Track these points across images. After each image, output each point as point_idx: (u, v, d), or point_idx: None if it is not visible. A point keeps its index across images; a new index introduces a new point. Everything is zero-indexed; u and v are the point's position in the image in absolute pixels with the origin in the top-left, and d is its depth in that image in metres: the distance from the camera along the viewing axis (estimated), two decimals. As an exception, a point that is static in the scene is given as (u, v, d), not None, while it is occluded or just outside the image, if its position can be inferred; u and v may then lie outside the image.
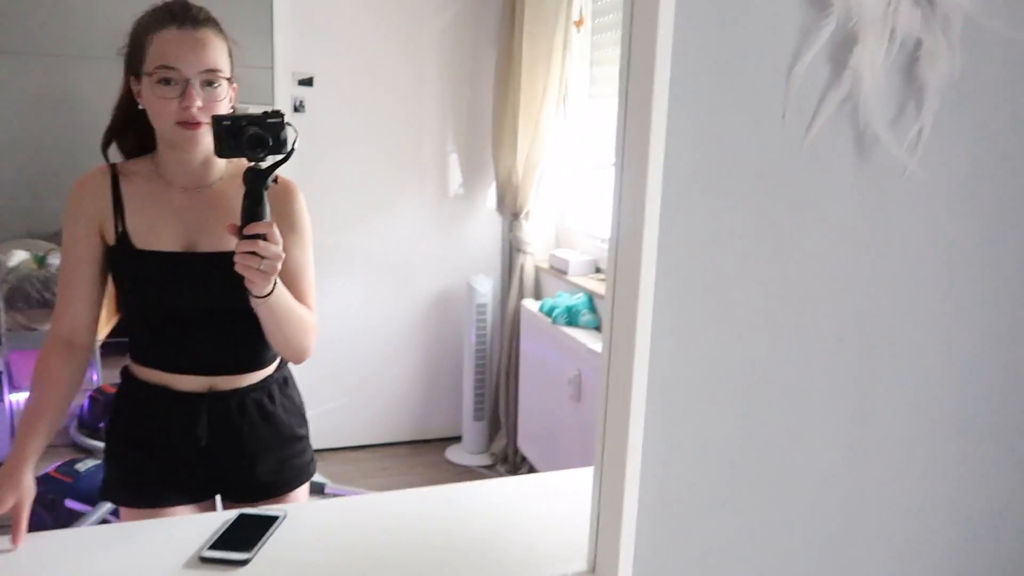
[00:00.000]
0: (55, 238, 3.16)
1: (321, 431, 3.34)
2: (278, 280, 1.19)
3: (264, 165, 1.16)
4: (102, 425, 3.07)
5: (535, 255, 3.13)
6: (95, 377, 3.25)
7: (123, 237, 1.24)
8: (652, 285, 0.69)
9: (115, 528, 1.24)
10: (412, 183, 3.31)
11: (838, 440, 0.87)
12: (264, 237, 1.13)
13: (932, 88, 0.76)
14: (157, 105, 1.20)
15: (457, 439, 3.45)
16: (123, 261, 1.26)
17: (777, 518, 0.88)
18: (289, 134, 1.15)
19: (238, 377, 1.34)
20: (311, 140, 2.93)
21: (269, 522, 1.19)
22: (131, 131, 1.29)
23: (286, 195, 1.30)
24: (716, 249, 0.74)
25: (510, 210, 3.13)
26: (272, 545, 1.10)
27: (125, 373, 1.36)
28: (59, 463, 2.70)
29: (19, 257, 3.17)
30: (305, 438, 1.46)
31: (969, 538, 1.01)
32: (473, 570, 0.91)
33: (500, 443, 3.29)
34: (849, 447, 0.88)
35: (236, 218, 1.18)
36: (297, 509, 1.26)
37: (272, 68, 2.99)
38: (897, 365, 0.88)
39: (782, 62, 0.73)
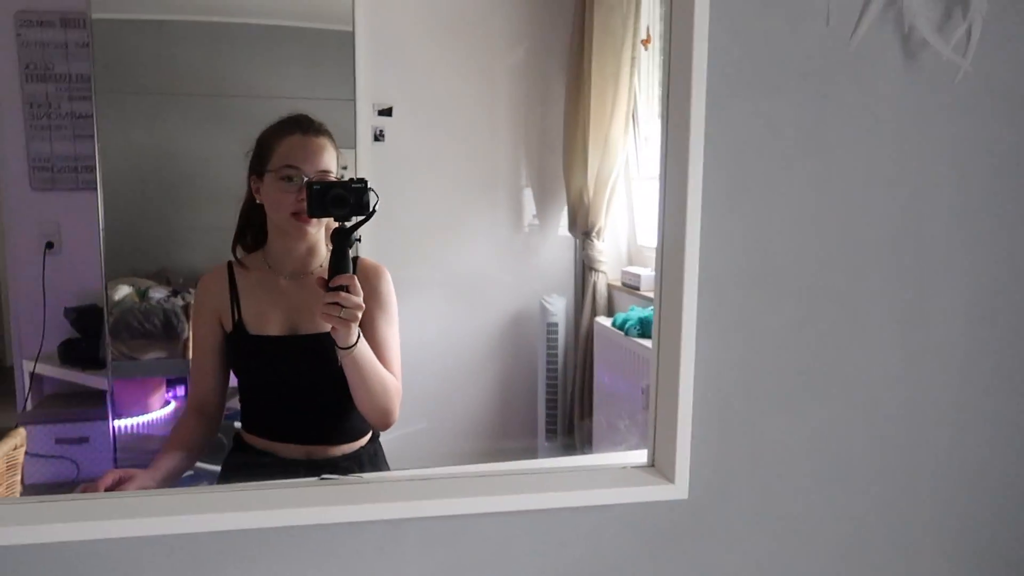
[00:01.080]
0: (155, 275, 3.38)
1: (401, 454, 3.43)
2: (361, 335, 1.34)
3: (348, 225, 1.31)
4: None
5: (607, 273, 3.15)
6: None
7: (239, 325, 1.43)
8: (700, 179, 0.72)
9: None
10: (487, 208, 3.40)
11: (893, 342, 0.87)
12: (346, 289, 1.27)
13: (979, -10, 0.77)
14: (277, 198, 1.39)
15: (533, 458, 3.45)
16: (238, 345, 1.44)
17: (832, 420, 0.88)
18: (371, 198, 1.31)
19: (332, 448, 1.47)
20: (390, 167, 3.07)
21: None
22: (250, 229, 1.50)
23: (376, 276, 1.49)
24: (763, 147, 0.77)
25: (582, 229, 3.18)
26: None
27: (236, 438, 1.51)
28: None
29: (123, 291, 3.40)
30: None
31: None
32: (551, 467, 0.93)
33: (577, 463, 3.26)
34: (905, 349, 0.87)
35: None
36: (374, 476, 1.32)
37: (354, 100, 3.16)
38: (951, 267, 0.87)
39: (824, -30, 0.76)
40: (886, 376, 0.87)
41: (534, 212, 3.44)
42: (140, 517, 0.78)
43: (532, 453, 3.45)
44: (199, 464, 3.23)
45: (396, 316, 1.51)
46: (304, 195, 1.35)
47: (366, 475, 1.19)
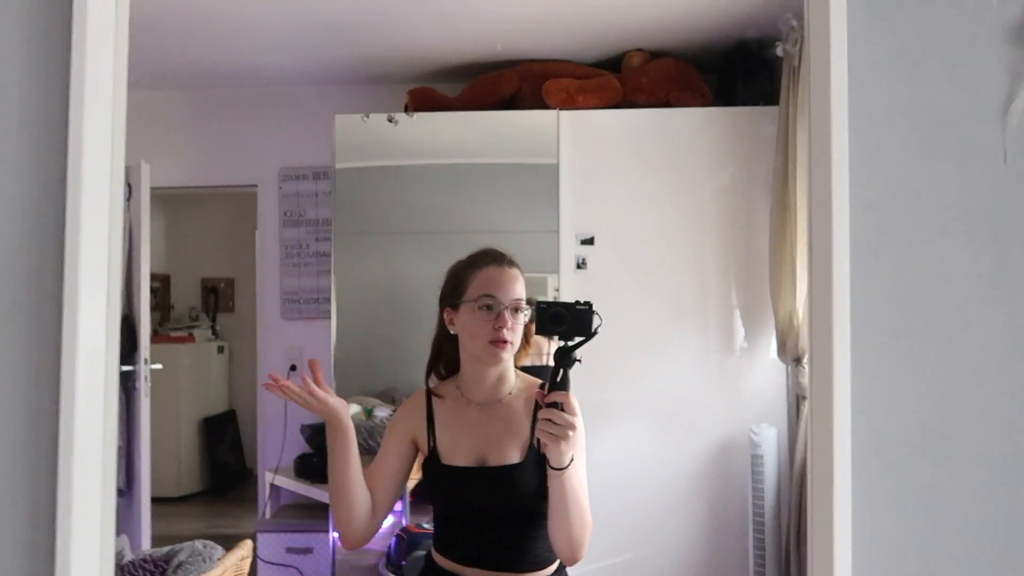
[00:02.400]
0: (381, 395, 3.65)
1: (600, 588, 3.31)
2: (574, 461, 1.36)
3: (570, 344, 1.35)
4: (404, 563, 3.33)
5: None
6: (404, 520, 3.57)
7: (433, 452, 1.51)
8: (847, 336, 0.66)
9: None
10: (693, 332, 3.33)
11: None
12: (561, 407, 1.30)
13: None
14: (475, 327, 1.47)
15: (745, 607, 3.16)
16: (431, 472, 1.52)
17: None
18: (595, 320, 1.35)
19: (516, 575, 1.47)
20: (592, 294, 3.13)
21: None
22: (442, 359, 1.61)
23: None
24: (925, 296, 0.69)
25: (792, 355, 3.00)
26: None
27: (428, 559, 1.58)
28: (364, 589, 2.97)
29: (353, 410, 3.71)
30: None
31: None
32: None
33: (794, 614, 2.95)
34: None
35: (520, 431, 1.47)
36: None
37: (558, 231, 3.30)
38: None
39: (992, 104, 0.70)
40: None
41: (744, 336, 3.31)
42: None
43: (744, 596, 3.17)
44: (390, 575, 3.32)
45: (584, 449, 1.45)
46: (500, 322, 1.43)
47: None
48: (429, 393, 1.56)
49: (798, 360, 2.96)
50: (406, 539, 3.53)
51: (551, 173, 3.34)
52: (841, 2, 0.68)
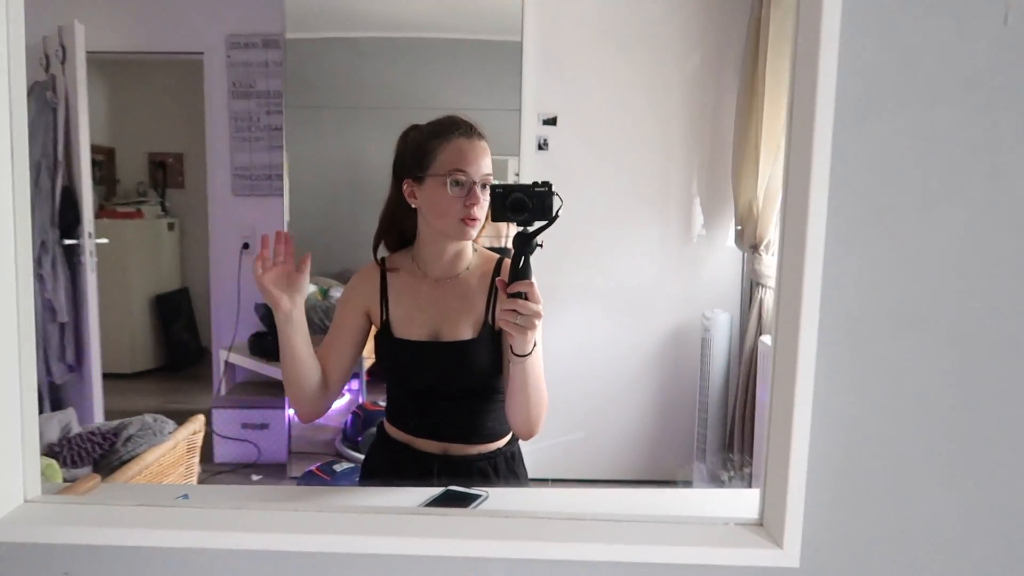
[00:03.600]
0: (338, 275, 3.61)
1: (554, 462, 3.43)
2: (537, 344, 1.31)
3: (530, 230, 1.26)
4: (360, 439, 3.39)
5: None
6: (360, 398, 3.61)
7: (386, 325, 1.45)
8: (823, 205, 0.63)
9: (352, 490, 1.39)
10: (654, 218, 3.32)
11: None
12: (525, 296, 1.24)
13: None
14: (444, 204, 1.38)
15: (688, 483, 3.31)
16: (384, 346, 1.46)
17: (998, 494, 0.73)
18: (555, 203, 1.24)
19: (468, 446, 1.47)
20: (553, 176, 3.07)
21: (472, 499, 1.27)
22: (393, 230, 1.51)
23: None
24: (914, 167, 0.66)
25: (749, 242, 3.01)
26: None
27: (380, 428, 1.55)
28: (319, 464, 3.03)
29: (308, 290, 3.66)
30: None
31: None
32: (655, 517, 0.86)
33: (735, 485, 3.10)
34: None
35: (474, 308, 1.42)
36: (498, 492, 1.31)
37: (520, 110, 3.20)
38: None
39: None
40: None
41: (702, 223, 3.30)
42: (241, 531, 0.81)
43: (686, 472, 3.32)
44: (350, 452, 3.40)
45: (542, 327, 1.41)
46: (472, 199, 1.36)
47: (452, 511, 1.14)
48: (382, 265, 1.49)
49: (755, 247, 2.97)
50: (362, 416, 3.59)
51: (514, 50, 3.20)
52: None
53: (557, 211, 1.24)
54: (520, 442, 1.55)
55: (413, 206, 1.43)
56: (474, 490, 1.31)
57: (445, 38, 3.33)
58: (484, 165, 1.38)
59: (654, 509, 1.10)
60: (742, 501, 1.12)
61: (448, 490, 1.32)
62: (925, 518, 0.74)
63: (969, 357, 0.70)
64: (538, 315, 1.24)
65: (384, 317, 1.46)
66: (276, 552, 0.84)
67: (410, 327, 1.44)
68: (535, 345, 1.30)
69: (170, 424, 1.93)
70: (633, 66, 3.21)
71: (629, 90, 3.22)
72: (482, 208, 1.39)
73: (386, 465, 1.51)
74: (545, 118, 3.22)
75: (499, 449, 1.49)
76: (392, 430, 1.51)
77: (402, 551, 0.81)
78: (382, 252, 1.53)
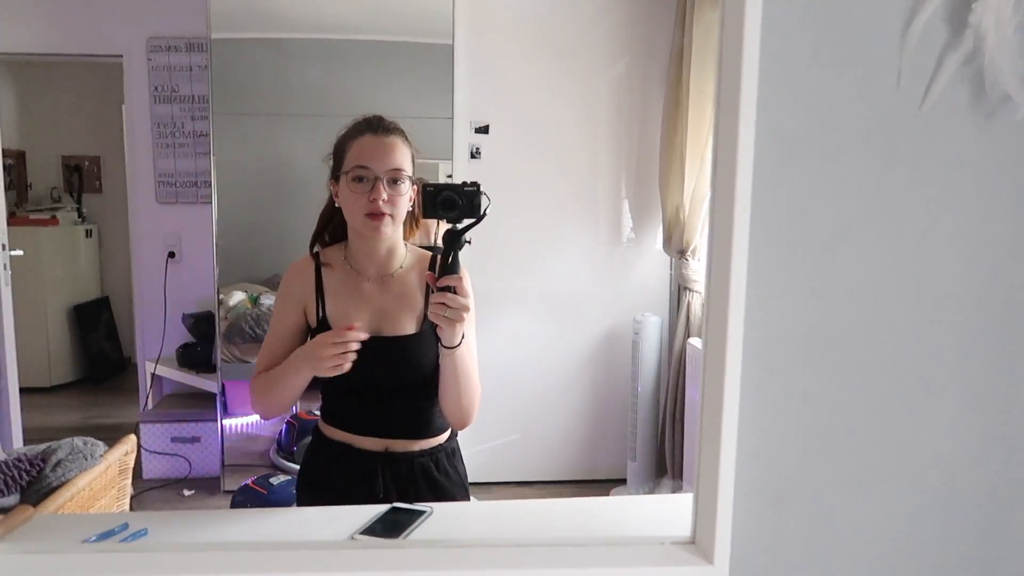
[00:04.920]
0: (268, 282, 3.55)
1: (491, 465, 3.48)
2: (465, 336, 1.35)
3: (459, 227, 1.30)
4: (295, 449, 3.36)
5: (702, 293, 3.07)
6: (294, 408, 3.57)
7: (323, 321, 1.44)
8: (745, 245, 0.69)
9: (294, 512, 1.39)
10: (584, 224, 3.39)
11: (972, 421, 0.79)
12: (454, 290, 1.28)
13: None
14: (350, 200, 1.39)
15: (622, 481, 3.40)
16: None
17: (901, 504, 0.81)
18: (483, 201, 1.30)
19: (410, 442, 1.48)
20: (486, 183, 3.10)
21: (417, 515, 1.30)
22: (330, 228, 1.52)
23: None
24: (820, 211, 0.73)
25: (676, 248, 3.11)
26: (417, 534, 1.22)
27: (316, 431, 1.54)
28: (255, 477, 2.99)
29: (237, 297, 3.59)
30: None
31: None
32: (592, 539, 0.91)
33: (666, 487, 3.20)
34: (985, 428, 0.79)
35: (414, 304, 1.44)
36: (442, 508, 1.34)
37: (452, 118, 3.22)
38: None
39: (895, 24, 0.71)
40: (963, 457, 0.80)
41: (631, 227, 3.40)
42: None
43: (620, 471, 3.42)
44: (285, 462, 3.36)
45: (474, 318, 1.45)
46: (375, 193, 1.36)
47: (380, 540, 1.18)
48: (317, 261, 1.48)
49: (682, 252, 3.08)
50: (297, 426, 3.55)
51: (446, 55, 3.22)
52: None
53: (485, 209, 1.29)
54: (458, 439, 1.58)
55: (337, 205, 1.44)
56: (418, 506, 1.33)
57: (374, 40, 3.32)
58: (391, 160, 1.38)
59: (591, 520, 1.15)
60: (675, 508, 1.19)
61: (394, 507, 1.34)
62: (837, 527, 0.82)
63: (873, 378, 0.78)
64: (466, 308, 1.29)
65: (320, 315, 1.44)
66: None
67: (349, 323, 1.40)
68: (463, 337, 1.34)
69: (100, 446, 1.88)
70: (562, 72, 3.27)
71: (559, 97, 3.28)
72: (392, 204, 1.38)
73: (324, 468, 1.50)
74: (477, 126, 3.26)
75: (440, 445, 1.51)
76: (329, 430, 1.49)
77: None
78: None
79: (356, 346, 1.33)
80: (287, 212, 3.41)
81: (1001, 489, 0.81)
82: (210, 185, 3.36)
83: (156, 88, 3.72)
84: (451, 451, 1.54)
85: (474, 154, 3.27)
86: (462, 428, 1.48)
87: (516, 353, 3.39)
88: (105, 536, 1.16)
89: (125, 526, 1.21)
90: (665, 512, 1.18)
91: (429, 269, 1.47)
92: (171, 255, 3.83)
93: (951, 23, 0.71)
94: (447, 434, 1.53)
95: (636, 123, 3.32)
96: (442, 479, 1.50)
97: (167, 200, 3.82)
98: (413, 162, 1.44)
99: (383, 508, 1.32)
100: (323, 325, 1.44)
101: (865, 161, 0.73)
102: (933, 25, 0.71)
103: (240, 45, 3.26)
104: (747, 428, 0.75)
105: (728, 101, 0.69)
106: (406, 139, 1.43)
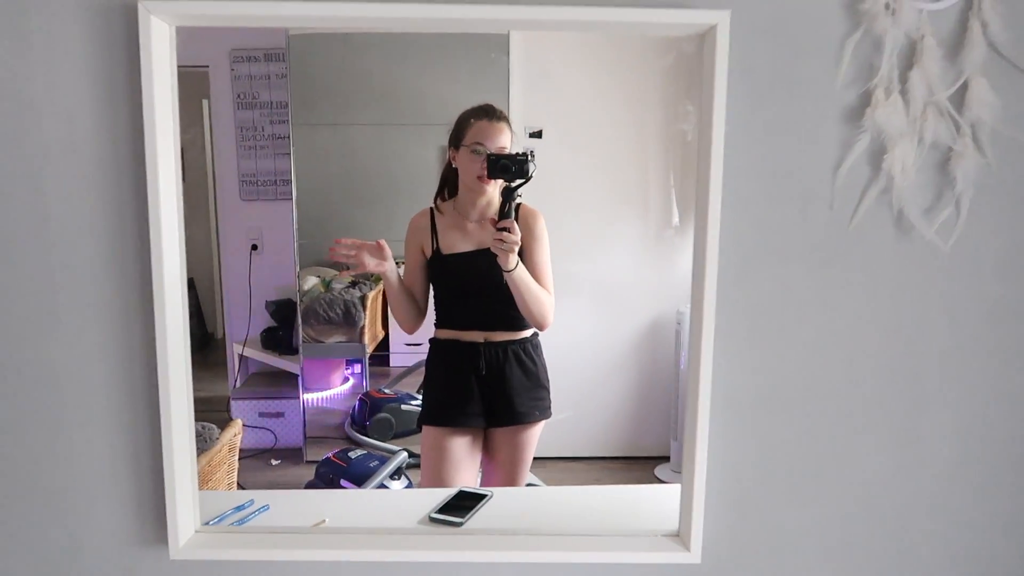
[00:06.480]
0: (336, 265, 3.89)
1: (547, 440, 3.72)
2: (519, 261, 1.88)
3: (513, 185, 1.85)
4: (368, 423, 3.71)
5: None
6: (365, 384, 3.92)
7: (436, 250, 2.01)
8: (712, 326, 0.96)
9: (374, 492, 1.74)
10: (632, 217, 3.59)
11: (887, 452, 1.06)
12: (508, 229, 1.82)
13: (963, 180, 0.94)
14: (468, 166, 1.95)
15: (666, 459, 3.65)
16: (436, 263, 2.02)
17: (833, 509, 1.09)
18: (531, 167, 1.85)
19: (504, 333, 2.04)
20: (541, 186, 3.34)
21: (480, 498, 1.59)
22: (447, 185, 2.07)
23: (533, 218, 2.03)
24: (773, 301, 0.99)
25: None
26: (480, 514, 1.49)
27: (432, 340, 2.10)
28: (337, 451, 3.35)
29: (311, 282, 3.95)
30: (546, 389, 2.19)
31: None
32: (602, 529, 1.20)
33: (705, 464, 3.44)
34: (897, 458, 1.07)
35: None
36: (501, 492, 1.64)
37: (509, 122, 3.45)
38: (941, 393, 1.06)
39: (829, 165, 0.97)
40: (880, 478, 1.08)
41: (676, 214, 3.58)
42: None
43: (665, 449, 3.65)
44: (358, 435, 3.72)
45: (547, 245, 2.02)
46: (486, 164, 1.86)
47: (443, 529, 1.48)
48: (432, 210, 2.02)
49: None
50: (368, 403, 3.89)
51: (501, 71, 3.44)
52: (723, 87, 0.92)
53: (531, 173, 1.83)
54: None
55: (454, 167, 1.97)
56: (481, 490, 1.63)
57: (437, 41, 3.56)
58: (500, 140, 1.95)
59: (612, 507, 1.45)
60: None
61: (461, 491, 1.64)
62: (786, 525, 1.10)
63: (813, 419, 1.06)
64: (516, 243, 1.84)
65: (435, 245, 2.00)
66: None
67: (456, 247, 1.99)
68: (517, 264, 1.86)
69: (215, 430, 2.25)
70: (608, 75, 3.44)
71: (608, 93, 3.43)
72: None
73: (441, 362, 2.07)
74: (532, 131, 3.48)
75: (525, 338, 2.07)
76: (442, 332, 2.05)
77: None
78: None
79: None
80: (360, 203, 3.74)
81: (910, 502, 1.09)
82: (289, 183, 3.69)
83: (239, 95, 4.06)
84: (534, 345, 2.10)
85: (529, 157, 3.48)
86: (542, 329, 2.05)
87: (570, 340, 3.63)
88: (239, 509, 1.52)
89: (251, 502, 1.56)
90: (665, 509, 1.47)
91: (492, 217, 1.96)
92: (254, 247, 4.20)
93: (871, 165, 0.96)
94: (529, 331, 2.07)
95: (684, 117, 3.48)
96: (527, 363, 2.06)
97: (249, 197, 4.19)
98: (512, 142, 1.98)
99: (452, 491, 1.62)
100: (437, 252, 2.00)
101: (807, 264, 0.99)
102: (857, 166, 0.96)
103: (313, 43, 3.55)
104: (716, 452, 1.04)
105: (700, 220, 0.97)
106: (509, 125, 1.99)
